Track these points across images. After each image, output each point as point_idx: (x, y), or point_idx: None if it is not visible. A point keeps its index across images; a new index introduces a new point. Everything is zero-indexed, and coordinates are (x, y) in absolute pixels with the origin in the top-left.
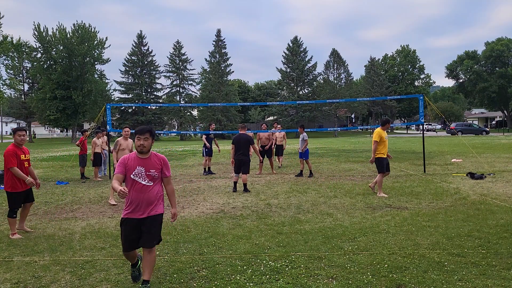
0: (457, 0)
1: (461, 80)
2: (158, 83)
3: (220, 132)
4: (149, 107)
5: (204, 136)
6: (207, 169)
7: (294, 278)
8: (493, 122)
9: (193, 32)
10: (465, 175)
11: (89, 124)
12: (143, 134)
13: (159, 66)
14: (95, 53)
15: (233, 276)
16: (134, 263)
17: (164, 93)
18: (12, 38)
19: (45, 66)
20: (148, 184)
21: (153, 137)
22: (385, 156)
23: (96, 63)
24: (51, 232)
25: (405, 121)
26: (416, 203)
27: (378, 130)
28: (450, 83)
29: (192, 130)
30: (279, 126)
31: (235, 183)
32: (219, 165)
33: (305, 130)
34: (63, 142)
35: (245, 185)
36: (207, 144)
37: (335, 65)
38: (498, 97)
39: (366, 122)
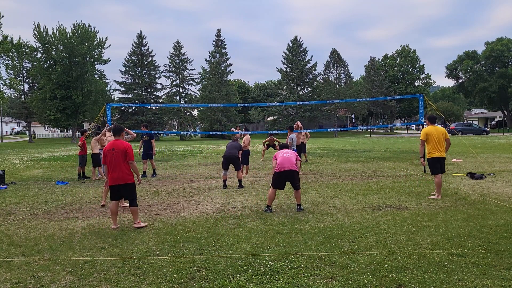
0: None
1: (461, 80)
2: (158, 83)
3: (220, 133)
4: (149, 107)
5: (153, 140)
6: (147, 173)
7: (294, 278)
8: (493, 122)
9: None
10: (465, 175)
11: (89, 124)
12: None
13: (159, 66)
14: (95, 53)
15: (233, 276)
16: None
17: (164, 93)
18: (12, 38)
19: (45, 66)
20: None
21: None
22: None
23: (96, 63)
24: (51, 232)
25: (405, 121)
26: (416, 203)
27: None
28: (450, 83)
29: (192, 130)
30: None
31: (225, 181)
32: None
33: (305, 130)
34: (63, 142)
35: (240, 181)
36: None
37: (335, 65)
38: (498, 97)
39: (366, 122)
